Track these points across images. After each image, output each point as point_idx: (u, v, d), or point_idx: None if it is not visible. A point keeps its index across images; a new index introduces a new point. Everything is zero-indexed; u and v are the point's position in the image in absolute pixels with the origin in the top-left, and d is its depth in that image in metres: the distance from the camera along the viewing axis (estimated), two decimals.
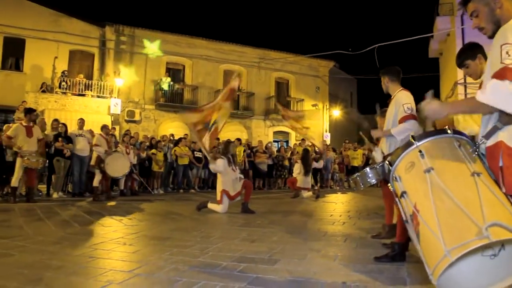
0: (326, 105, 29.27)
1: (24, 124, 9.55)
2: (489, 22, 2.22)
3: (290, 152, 18.72)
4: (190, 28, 43.32)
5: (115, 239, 5.14)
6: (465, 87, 19.82)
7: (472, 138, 2.25)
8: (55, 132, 11.40)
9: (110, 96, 21.98)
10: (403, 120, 4.32)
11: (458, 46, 21.16)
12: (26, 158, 9.21)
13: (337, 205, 10.32)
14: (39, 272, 3.45)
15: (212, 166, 8.30)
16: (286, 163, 18.00)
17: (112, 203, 9.86)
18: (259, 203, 10.29)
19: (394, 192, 2.39)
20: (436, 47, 27.02)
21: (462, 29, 21.45)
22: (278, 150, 18.74)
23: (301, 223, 6.87)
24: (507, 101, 1.93)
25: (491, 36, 2.22)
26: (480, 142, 2.13)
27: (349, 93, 36.55)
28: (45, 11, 21.56)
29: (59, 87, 20.86)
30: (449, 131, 2.20)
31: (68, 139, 11.24)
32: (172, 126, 22.86)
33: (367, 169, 4.21)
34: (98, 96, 21.85)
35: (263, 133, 26.09)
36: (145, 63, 23.42)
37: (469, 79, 3.51)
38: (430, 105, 2.27)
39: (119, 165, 10.71)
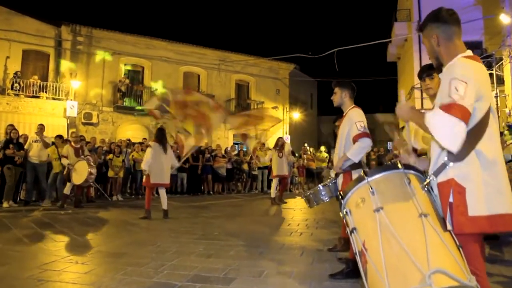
0: (286, 108, 29.45)
1: None
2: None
3: (249, 156, 18.69)
4: (149, 29, 42.58)
5: (67, 257, 5.00)
6: (421, 91, 20.41)
7: (423, 172, 2.29)
8: (7, 137, 10.94)
9: (66, 98, 21.29)
10: (356, 138, 4.35)
11: (415, 51, 21.90)
12: None
13: (296, 212, 10.39)
14: None
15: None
16: (245, 167, 17.98)
17: (68, 212, 9.61)
18: (218, 210, 10.25)
19: (346, 224, 2.38)
20: (394, 52, 27.72)
21: (419, 35, 22.09)
22: (237, 154, 18.60)
23: (258, 234, 6.88)
24: (442, 134, 1.97)
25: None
26: (430, 179, 2.16)
27: (309, 95, 36.86)
28: None
29: (12, 88, 20.02)
30: (400, 166, 2.21)
31: (20, 146, 10.83)
32: (131, 129, 22.46)
33: (320, 186, 4.24)
34: (54, 98, 21.11)
35: (223, 136, 25.96)
36: (102, 64, 22.78)
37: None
38: (401, 108, 2.34)
39: (80, 172, 10.47)
